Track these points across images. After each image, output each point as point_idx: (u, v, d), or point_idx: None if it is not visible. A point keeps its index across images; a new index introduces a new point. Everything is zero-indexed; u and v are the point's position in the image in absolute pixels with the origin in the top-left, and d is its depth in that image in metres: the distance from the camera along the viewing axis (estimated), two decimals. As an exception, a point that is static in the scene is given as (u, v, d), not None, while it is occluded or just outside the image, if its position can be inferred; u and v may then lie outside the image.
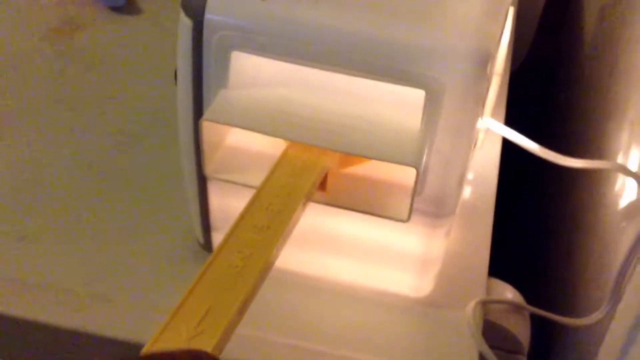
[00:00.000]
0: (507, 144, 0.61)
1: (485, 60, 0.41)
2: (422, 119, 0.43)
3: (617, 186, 0.58)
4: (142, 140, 0.64)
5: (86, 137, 0.64)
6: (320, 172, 0.43)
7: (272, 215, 0.40)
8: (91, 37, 0.75)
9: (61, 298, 0.51)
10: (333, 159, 0.45)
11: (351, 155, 0.44)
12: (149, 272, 0.53)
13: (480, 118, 0.46)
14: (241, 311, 0.36)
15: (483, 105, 0.47)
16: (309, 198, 0.42)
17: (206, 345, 0.33)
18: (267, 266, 0.38)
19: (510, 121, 0.62)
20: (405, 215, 0.45)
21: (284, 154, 0.44)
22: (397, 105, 0.44)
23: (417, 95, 0.42)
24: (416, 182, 0.43)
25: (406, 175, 0.43)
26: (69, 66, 0.72)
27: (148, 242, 0.55)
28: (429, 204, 0.46)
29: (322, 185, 0.45)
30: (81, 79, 0.70)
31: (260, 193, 0.42)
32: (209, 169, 0.46)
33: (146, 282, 0.52)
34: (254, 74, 0.45)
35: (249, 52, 0.43)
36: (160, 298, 0.51)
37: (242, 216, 0.40)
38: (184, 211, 0.54)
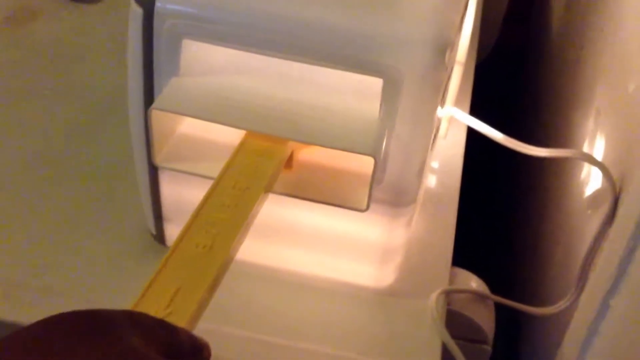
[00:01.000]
0: (473, 134, 0.61)
1: (443, 48, 0.41)
2: (381, 107, 0.42)
3: (583, 175, 0.57)
4: (95, 131, 0.63)
5: (37, 126, 0.63)
6: (286, 150, 0.43)
7: (238, 194, 0.40)
8: (46, 26, 0.73)
9: (9, 291, 0.50)
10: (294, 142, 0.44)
11: None
12: (100, 265, 0.52)
13: (440, 106, 0.45)
14: (211, 290, 0.35)
15: (443, 94, 0.47)
16: (275, 176, 0.42)
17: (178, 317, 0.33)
18: (236, 244, 0.38)
19: (478, 111, 0.62)
20: (363, 205, 0.44)
21: (249, 134, 0.43)
22: (354, 93, 0.44)
23: (375, 84, 0.41)
24: (374, 171, 0.43)
25: (365, 164, 0.43)
26: (23, 55, 0.71)
27: (99, 234, 0.54)
28: (389, 193, 0.46)
29: (289, 163, 0.44)
30: (35, 68, 0.69)
31: (226, 172, 0.41)
32: (158, 158, 0.46)
33: (97, 275, 0.51)
34: (205, 62, 0.44)
35: (200, 40, 0.42)
36: (111, 291, 0.50)
37: (208, 195, 0.40)
38: (136, 203, 0.53)
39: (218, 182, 0.40)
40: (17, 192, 0.57)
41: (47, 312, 0.47)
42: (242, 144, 0.43)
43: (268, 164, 0.42)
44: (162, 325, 0.31)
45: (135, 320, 0.30)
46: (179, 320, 0.33)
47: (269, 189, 0.42)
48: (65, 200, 0.56)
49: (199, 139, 0.47)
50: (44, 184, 0.58)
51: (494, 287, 0.57)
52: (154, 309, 0.34)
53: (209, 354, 0.33)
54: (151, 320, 0.31)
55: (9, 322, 0.48)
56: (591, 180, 0.55)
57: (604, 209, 0.49)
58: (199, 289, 0.35)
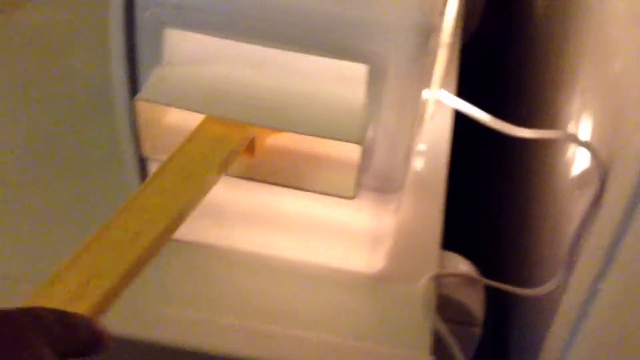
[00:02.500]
0: (459, 116, 0.60)
1: (427, 32, 0.41)
2: (366, 94, 0.42)
3: (569, 155, 0.57)
4: (84, 122, 0.62)
5: (25, 117, 0.62)
6: (241, 140, 0.42)
7: (180, 181, 0.39)
8: (31, 15, 0.72)
9: (4, 285, 0.50)
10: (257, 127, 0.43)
11: None
12: None
13: (425, 90, 0.45)
14: (126, 278, 0.35)
15: (428, 78, 0.46)
16: (226, 165, 0.41)
17: (81, 308, 0.33)
18: (164, 232, 0.37)
19: (464, 94, 0.61)
20: (351, 192, 0.44)
21: (203, 123, 0.42)
22: (339, 80, 0.43)
23: (359, 70, 0.41)
24: (361, 159, 0.42)
25: (351, 151, 0.42)
26: (9, 45, 0.70)
27: (91, 226, 0.53)
28: (376, 180, 0.46)
29: (249, 152, 0.43)
30: (21, 59, 0.68)
31: (172, 159, 0.40)
32: (147, 149, 0.45)
33: None
34: (189, 51, 0.43)
35: (182, 29, 0.42)
36: None
37: (149, 182, 0.39)
38: (125, 194, 0.51)
39: (162, 168, 0.39)
40: (8, 186, 0.57)
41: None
42: (200, 127, 0.42)
43: (220, 151, 0.41)
44: (61, 321, 0.31)
45: (37, 319, 0.30)
46: (82, 306, 0.33)
47: (219, 174, 0.41)
48: (56, 193, 0.56)
49: (185, 129, 0.46)
50: (34, 177, 0.58)
51: (483, 270, 0.56)
52: (64, 292, 0.33)
53: (109, 341, 0.32)
54: (52, 316, 0.31)
55: None
56: (578, 161, 0.55)
57: (591, 189, 0.49)
58: (112, 275, 0.34)
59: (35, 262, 0.52)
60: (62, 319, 0.31)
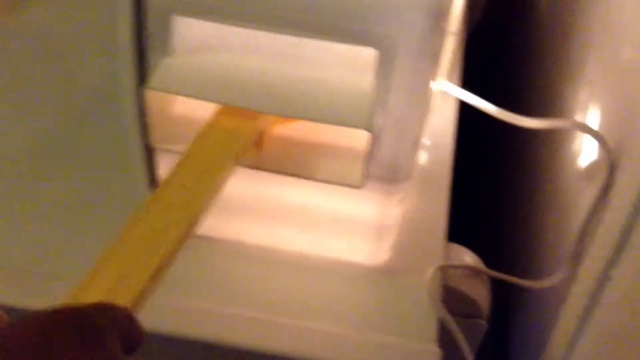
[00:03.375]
0: (464, 107, 0.59)
1: (438, 14, 0.40)
2: (375, 79, 0.42)
3: (576, 145, 0.56)
4: (89, 116, 0.62)
5: (34, 114, 0.63)
6: (251, 131, 0.42)
7: (199, 176, 0.40)
8: (37, 13, 0.71)
9: (12, 277, 0.50)
10: (266, 118, 0.42)
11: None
12: (99, 249, 0.51)
13: (433, 77, 0.44)
14: (157, 273, 0.36)
15: (436, 66, 0.45)
16: (239, 157, 0.42)
17: (123, 300, 0.33)
18: (190, 227, 0.37)
19: (466, 83, 0.60)
20: (358, 181, 0.43)
21: (216, 117, 0.42)
22: (347, 66, 0.43)
23: (368, 55, 0.41)
24: (370, 146, 0.41)
25: (359, 139, 0.41)
26: (14, 40, 0.69)
27: (98, 219, 0.54)
28: (383, 169, 0.46)
29: (258, 144, 0.43)
30: (25, 56, 0.68)
31: (187, 154, 0.41)
32: (154, 138, 0.46)
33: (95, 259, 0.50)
34: (198, 39, 0.43)
35: (191, 17, 0.42)
36: None
37: (169, 179, 0.39)
38: (133, 186, 0.53)
39: (180, 164, 0.40)
40: (17, 181, 0.57)
41: (51, 297, 0.47)
42: (211, 122, 0.43)
43: (232, 144, 0.41)
44: (127, 317, 0.31)
45: (111, 315, 0.30)
46: (125, 297, 0.34)
47: (234, 166, 0.41)
48: (64, 187, 0.57)
49: (193, 118, 0.46)
50: (43, 172, 0.58)
51: (489, 262, 0.56)
52: (99, 291, 0.34)
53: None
54: (120, 312, 0.31)
55: (14, 307, 0.48)
56: (585, 151, 0.54)
57: (600, 180, 0.48)
58: (143, 273, 0.35)
59: (45, 254, 0.52)
60: (128, 315, 0.31)
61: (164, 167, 0.49)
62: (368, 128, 0.40)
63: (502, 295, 0.62)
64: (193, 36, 0.43)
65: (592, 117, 0.54)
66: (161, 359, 0.49)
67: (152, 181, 0.50)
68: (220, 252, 0.52)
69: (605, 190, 0.47)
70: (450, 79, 0.59)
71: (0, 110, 0.63)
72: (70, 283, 0.48)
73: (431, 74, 0.42)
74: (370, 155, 0.42)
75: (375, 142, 0.43)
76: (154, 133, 0.45)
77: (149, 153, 0.48)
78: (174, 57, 0.42)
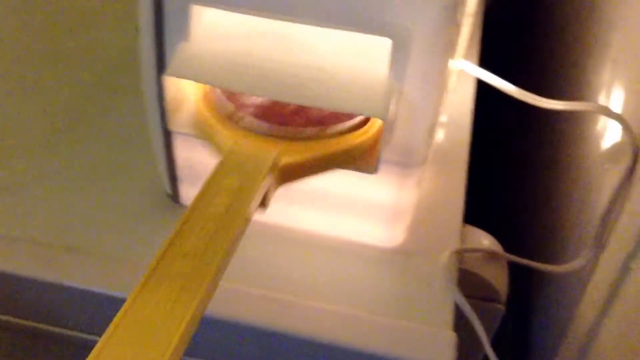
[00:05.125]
0: (482, 87, 0.58)
1: (453, 3, 0.40)
2: (389, 67, 0.42)
3: (599, 128, 0.55)
4: (112, 92, 0.63)
5: (56, 89, 0.64)
6: (260, 189, 0.40)
7: (207, 238, 0.36)
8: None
9: (32, 250, 0.51)
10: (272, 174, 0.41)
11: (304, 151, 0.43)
12: (119, 223, 0.53)
13: (450, 63, 0.44)
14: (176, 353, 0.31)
15: (453, 49, 0.45)
16: (249, 215, 0.39)
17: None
18: (203, 301, 0.34)
19: (485, 63, 0.59)
20: (373, 168, 0.44)
21: (215, 174, 0.40)
22: (362, 54, 0.43)
23: (383, 44, 0.41)
24: (384, 133, 0.42)
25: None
26: (37, 19, 0.71)
27: (118, 193, 0.55)
28: (398, 154, 0.46)
29: (263, 202, 0.41)
30: (50, 32, 0.70)
31: (191, 213, 0.37)
32: (173, 123, 0.46)
33: (117, 233, 0.52)
34: (214, 28, 0.44)
35: (208, 5, 0.42)
36: (130, 249, 0.51)
37: (171, 242, 0.35)
38: (154, 162, 0.53)
39: (182, 226, 0.37)
40: (38, 156, 0.58)
41: (68, 269, 0.49)
42: (215, 176, 0.40)
43: (243, 201, 0.39)
44: None
45: None
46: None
47: (244, 227, 0.39)
48: (85, 162, 0.58)
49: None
50: (64, 147, 0.59)
51: (507, 246, 0.55)
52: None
53: None
54: None
55: (35, 279, 0.49)
56: (608, 134, 0.53)
57: (623, 164, 0.47)
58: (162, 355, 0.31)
59: (67, 228, 0.52)
60: None
61: (180, 148, 0.49)
62: (382, 116, 0.40)
63: (522, 279, 0.62)
64: (211, 24, 0.43)
65: (616, 99, 0.53)
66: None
67: (170, 161, 0.50)
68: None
69: (629, 176, 0.46)
70: (468, 58, 0.58)
71: (27, 83, 0.64)
72: (91, 256, 0.50)
73: (447, 60, 0.42)
74: (385, 142, 0.42)
75: (389, 128, 0.43)
76: (172, 118, 0.45)
77: (167, 135, 0.48)
78: (192, 45, 0.43)
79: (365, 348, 0.46)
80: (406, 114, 0.43)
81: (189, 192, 0.52)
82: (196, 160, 0.50)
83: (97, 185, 0.56)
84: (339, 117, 0.45)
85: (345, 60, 0.43)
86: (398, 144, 0.44)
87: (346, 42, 0.42)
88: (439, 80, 0.42)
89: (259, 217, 0.52)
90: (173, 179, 0.52)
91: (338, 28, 0.40)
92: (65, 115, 0.61)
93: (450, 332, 0.47)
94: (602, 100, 0.56)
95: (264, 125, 0.44)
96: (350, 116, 0.45)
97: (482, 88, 0.58)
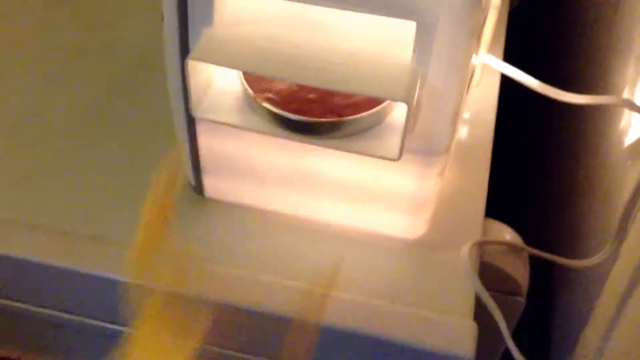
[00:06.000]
0: (506, 82, 0.59)
1: None
2: (414, 52, 0.42)
3: (623, 122, 0.55)
4: (136, 84, 0.64)
5: (81, 81, 0.65)
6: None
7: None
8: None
9: (58, 238, 0.52)
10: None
11: None
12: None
13: (475, 51, 0.44)
14: None
15: (478, 38, 0.45)
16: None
17: None
18: None
19: (509, 58, 0.60)
20: (396, 154, 0.43)
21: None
22: (387, 39, 0.43)
23: (408, 28, 0.41)
24: (408, 119, 0.41)
25: (397, 111, 0.41)
26: (63, 14, 0.72)
27: (142, 184, 0.55)
28: (421, 142, 0.46)
29: None
30: (76, 26, 0.71)
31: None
32: (196, 110, 0.46)
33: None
34: (238, 12, 0.44)
35: None
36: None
37: None
38: (175, 150, 0.54)
39: None
40: (64, 146, 0.59)
41: (94, 258, 0.50)
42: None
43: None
44: None
45: None
46: None
47: None
48: (111, 153, 0.59)
49: (233, 90, 0.47)
50: (90, 137, 0.60)
51: (528, 239, 0.55)
52: None
53: None
54: None
55: (62, 268, 0.50)
56: (632, 129, 0.53)
57: (646, 157, 0.47)
58: None
59: (91, 217, 0.54)
60: None
61: (204, 137, 0.50)
62: (406, 100, 0.40)
63: (543, 273, 0.62)
64: (234, 9, 0.44)
65: (639, 94, 0.53)
66: (199, 323, 0.50)
67: (193, 150, 0.51)
68: (258, 221, 0.53)
69: (651, 169, 0.46)
70: (493, 53, 0.58)
71: (56, 77, 0.65)
72: (114, 245, 0.51)
73: (471, 47, 0.42)
74: (408, 128, 0.42)
75: (413, 115, 0.43)
76: (195, 103, 0.46)
77: (191, 123, 0.49)
78: (216, 30, 0.43)
79: (386, 337, 0.47)
80: (430, 99, 0.43)
81: (212, 184, 0.53)
82: (220, 151, 0.51)
83: (120, 176, 0.56)
84: (357, 107, 0.46)
85: (370, 44, 0.43)
86: (421, 131, 0.45)
87: (371, 26, 0.43)
88: (463, 66, 0.43)
89: (281, 208, 0.53)
90: (197, 170, 0.52)
91: (363, 12, 0.40)
92: (89, 108, 0.62)
93: (471, 321, 0.48)
94: (626, 94, 0.56)
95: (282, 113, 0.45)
96: (370, 107, 0.45)
97: (506, 83, 0.59)
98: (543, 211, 0.78)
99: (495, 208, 0.57)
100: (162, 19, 0.45)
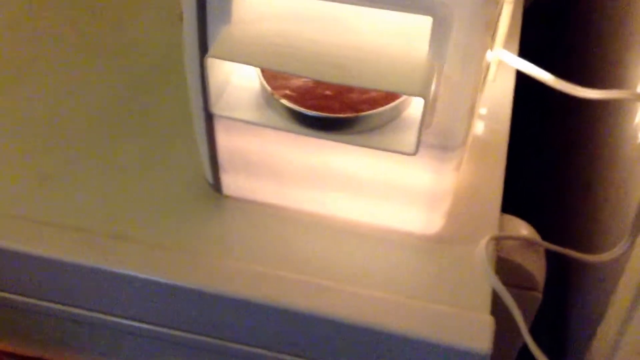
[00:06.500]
0: (521, 77, 0.59)
1: None
2: (430, 47, 0.42)
3: (637, 117, 0.55)
4: (155, 84, 0.65)
5: (100, 80, 0.65)
6: None
7: None
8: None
9: (79, 237, 0.53)
10: None
11: None
12: (163, 211, 0.55)
13: (490, 46, 0.44)
14: None
15: (494, 32, 0.45)
16: None
17: None
18: None
19: (524, 54, 0.60)
20: (413, 149, 0.43)
21: None
22: (403, 35, 0.44)
23: (423, 23, 0.41)
24: (424, 113, 0.42)
25: (413, 106, 0.41)
26: (81, 13, 0.73)
27: (161, 182, 0.57)
28: (437, 136, 0.46)
29: None
30: (93, 25, 0.71)
31: None
32: (215, 107, 0.47)
33: (161, 221, 0.54)
34: (257, 9, 0.45)
35: None
36: (174, 235, 0.53)
37: None
38: (196, 153, 0.55)
39: None
40: (85, 145, 0.60)
41: (114, 256, 0.51)
42: None
43: None
44: None
45: None
46: None
47: None
48: (130, 152, 0.59)
49: (252, 87, 0.48)
50: (110, 136, 0.60)
51: (544, 234, 0.55)
52: None
53: None
54: None
55: (85, 266, 0.51)
56: (646, 123, 0.53)
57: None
58: None
59: (114, 215, 0.54)
60: None
61: (222, 134, 0.50)
62: (422, 95, 0.41)
63: (559, 268, 0.62)
64: (252, 6, 0.44)
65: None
66: (220, 319, 0.51)
67: (212, 148, 0.51)
68: (276, 218, 0.53)
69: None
70: (507, 49, 0.58)
71: (74, 76, 0.66)
72: (134, 243, 0.52)
73: (487, 40, 0.42)
74: (424, 122, 0.43)
75: (429, 109, 0.44)
76: (214, 100, 0.46)
77: (209, 120, 0.49)
78: (235, 27, 0.44)
79: (403, 332, 0.47)
80: (446, 94, 0.43)
81: (230, 182, 0.54)
82: (238, 148, 0.51)
83: (140, 175, 0.57)
84: (373, 102, 0.46)
85: (386, 39, 0.43)
86: (438, 125, 0.45)
87: (387, 21, 0.43)
88: (478, 60, 0.43)
89: (298, 204, 0.53)
90: (215, 168, 0.53)
91: (379, 8, 0.41)
92: (109, 107, 0.62)
93: (488, 316, 0.48)
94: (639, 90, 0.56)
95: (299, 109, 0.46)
96: (386, 103, 0.46)
97: (523, 78, 0.59)
98: (558, 206, 0.78)
99: (511, 203, 0.57)
100: (180, 19, 0.46)
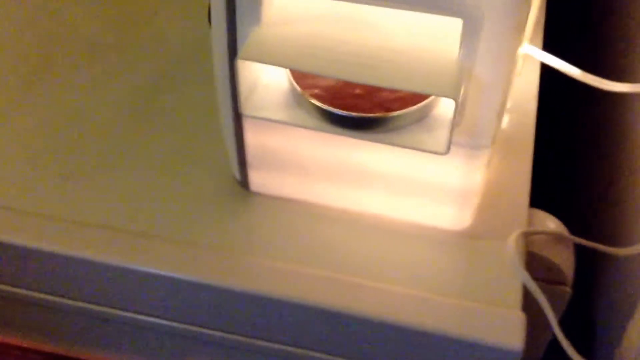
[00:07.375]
0: (546, 70, 0.59)
1: None
2: (460, 48, 0.43)
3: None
4: (180, 81, 0.65)
5: (126, 78, 0.66)
6: None
7: None
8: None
9: (104, 235, 0.53)
10: None
11: None
12: (189, 209, 0.55)
13: (520, 44, 0.44)
14: None
15: (524, 31, 0.45)
16: None
17: None
18: None
19: (548, 46, 0.59)
20: (443, 148, 0.44)
21: None
22: (433, 36, 0.44)
23: (454, 25, 0.42)
24: (455, 114, 0.42)
25: (444, 107, 0.42)
26: (102, 10, 0.73)
27: (187, 179, 0.57)
28: (468, 135, 0.47)
29: None
30: (114, 22, 0.72)
31: None
32: (245, 107, 0.47)
33: (188, 218, 0.54)
34: (285, 11, 0.45)
35: None
36: (202, 232, 0.53)
37: None
38: (222, 149, 0.55)
39: None
40: (110, 143, 0.60)
41: (140, 254, 0.51)
42: None
43: None
44: None
45: None
46: None
47: None
48: (157, 149, 0.59)
49: (281, 87, 0.48)
50: (135, 134, 0.61)
51: (573, 228, 0.55)
52: None
53: None
54: None
55: (112, 264, 0.52)
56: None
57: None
58: None
59: (137, 213, 0.54)
60: None
61: (250, 133, 0.51)
62: (454, 96, 0.41)
63: (588, 262, 0.62)
64: (282, 8, 0.44)
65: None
66: (246, 316, 0.51)
67: (240, 146, 0.52)
68: (304, 214, 0.54)
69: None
70: (533, 42, 0.58)
71: (97, 73, 0.66)
72: (162, 240, 0.52)
73: (518, 41, 0.43)
74: (455, 123, 0.43)
75: (460, 109, 0.44)
76: (244, 101, 0.47)
77: (238, 119, 0.50)
78: (264, 29, 0.44)
79: (435, 329, 0.47)
80: (476, 94, 0.44)
81: (258, 179, 0.54)
82: (266, 146, 0.52)
83: (167, 173, 0.57)
84: (404, 101, 0.46)
85: (416, 41, 0.44)
86: (467, 124, 0.45)
87: (417, 23, 0.43)
88: (509, 61, 0.43)
89: (327, 201, 0.53)
90: (243, 165, 0.53)
91: (410, 9, 0.41)
92: (136, 103, 0.63)
93: (520, 312, 0.48)
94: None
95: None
96: (416, 101, 0.46)
97: (549, 72, 0.59)
98: (586, 200, 0.78)
99: (539, 197, 0.57)
100: (209, 23, 0.46)
